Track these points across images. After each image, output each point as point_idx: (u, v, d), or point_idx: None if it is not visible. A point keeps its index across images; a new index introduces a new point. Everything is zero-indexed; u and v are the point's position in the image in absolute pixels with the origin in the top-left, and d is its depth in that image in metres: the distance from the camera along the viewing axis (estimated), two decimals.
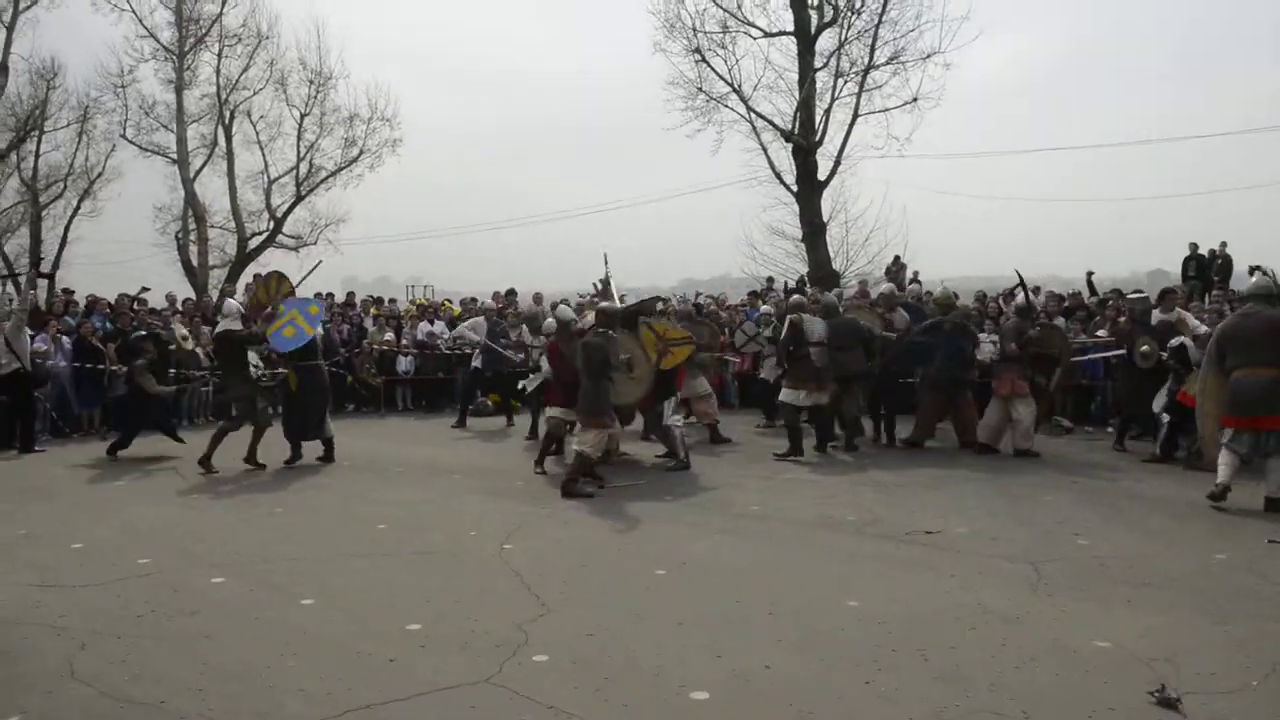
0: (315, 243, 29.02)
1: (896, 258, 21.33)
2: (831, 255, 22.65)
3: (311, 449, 10.56)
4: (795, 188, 22.37)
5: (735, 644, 4.82)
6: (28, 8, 28.25)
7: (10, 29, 28.22)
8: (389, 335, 16.58)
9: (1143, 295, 11.53)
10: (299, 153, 28.61)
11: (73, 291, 16.83)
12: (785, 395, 10.77)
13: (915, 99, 21.62)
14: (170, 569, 6.29)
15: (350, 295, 18.44)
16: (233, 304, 11.14)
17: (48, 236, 31.31)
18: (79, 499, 8.81)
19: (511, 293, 17.53)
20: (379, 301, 18.54)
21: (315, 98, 28.48)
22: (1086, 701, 4.10)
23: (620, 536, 7.17)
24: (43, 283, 18.24)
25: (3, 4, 27.92)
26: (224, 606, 5.51)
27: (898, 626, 5.05)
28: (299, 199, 28.74)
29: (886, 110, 22.03)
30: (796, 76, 22.09)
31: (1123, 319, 12.23)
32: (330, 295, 17.48)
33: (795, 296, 12.94)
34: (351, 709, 4.07)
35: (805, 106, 21.79)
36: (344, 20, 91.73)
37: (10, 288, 16.41)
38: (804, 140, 21.81)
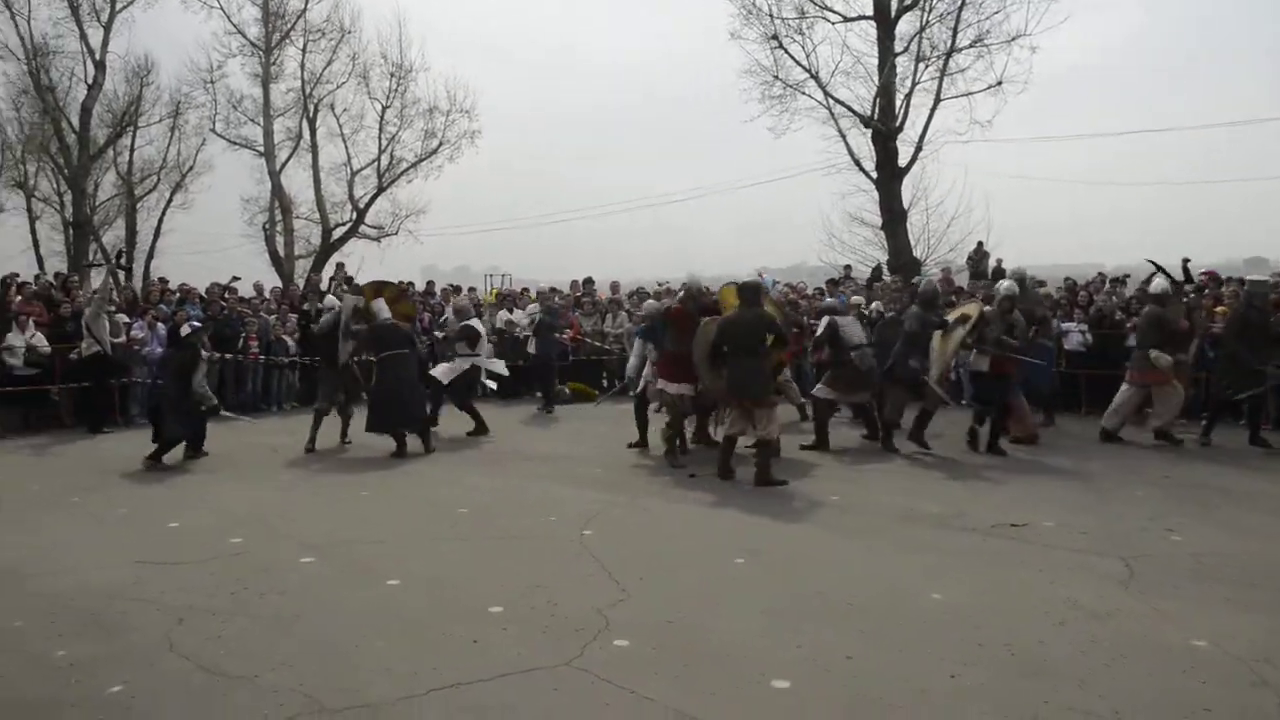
0: (396, 233, 29.60)
1: (979, 244, 20.86)
2: (912, 242, 22.27)
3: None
4: (874, 174, 22.03)
5: (816, 634, 4.78)
6: (124, 7, 29.29)
7: (107, 29, 29.30)
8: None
9: (1264, 280, 11.06)
10: (380, 145, 29.16)
11: (167, 280, 17.42)
12: (819, 390, 10.56)
13: (1000, 82, 21.11)
14: (261, 549, 6.49)
15: (430, 284, 18.74)
16: (333, 300, 11.43)
17: (142, 228, 32.50)
18: (173, 480, 9.13)
19: (589, 281, 17.63)
20: (458, 290, 18.80)
21: (396, 90, 28.99)
22: (1181, 702, 3.97)
23: (699, 524, 7.16)
24: (124, 271, 18.89)
25: (100, 4, 28.98)
26: (312, 586, 5.67)
27: (983, 620, 4.95)
28: (380, 190, 29.29)
29: (969, 95, 21.54)
30: (876, 62, 21.71)
31: (1220, 307, 11.81)
32: (410, 284, 17.78)
33: (828, 300, 12.77)
34: (436, 688, 4.15)
35: (885, 92, 21.42)
36: (424, 11, 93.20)
37: (93, 276, 17.10)
38: (883, 126, 21.45)
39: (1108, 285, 15.33)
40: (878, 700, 4.01)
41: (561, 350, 15.20)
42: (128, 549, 6.53)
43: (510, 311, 16.88)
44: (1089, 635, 4.74)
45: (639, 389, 10.52)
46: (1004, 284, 10.74)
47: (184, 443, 10.11)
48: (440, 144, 29.18)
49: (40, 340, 12.42)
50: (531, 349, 14.79)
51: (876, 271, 20.27)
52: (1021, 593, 5.43)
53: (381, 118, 29.06)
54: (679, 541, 6.64)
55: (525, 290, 19.29)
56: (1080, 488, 8.32)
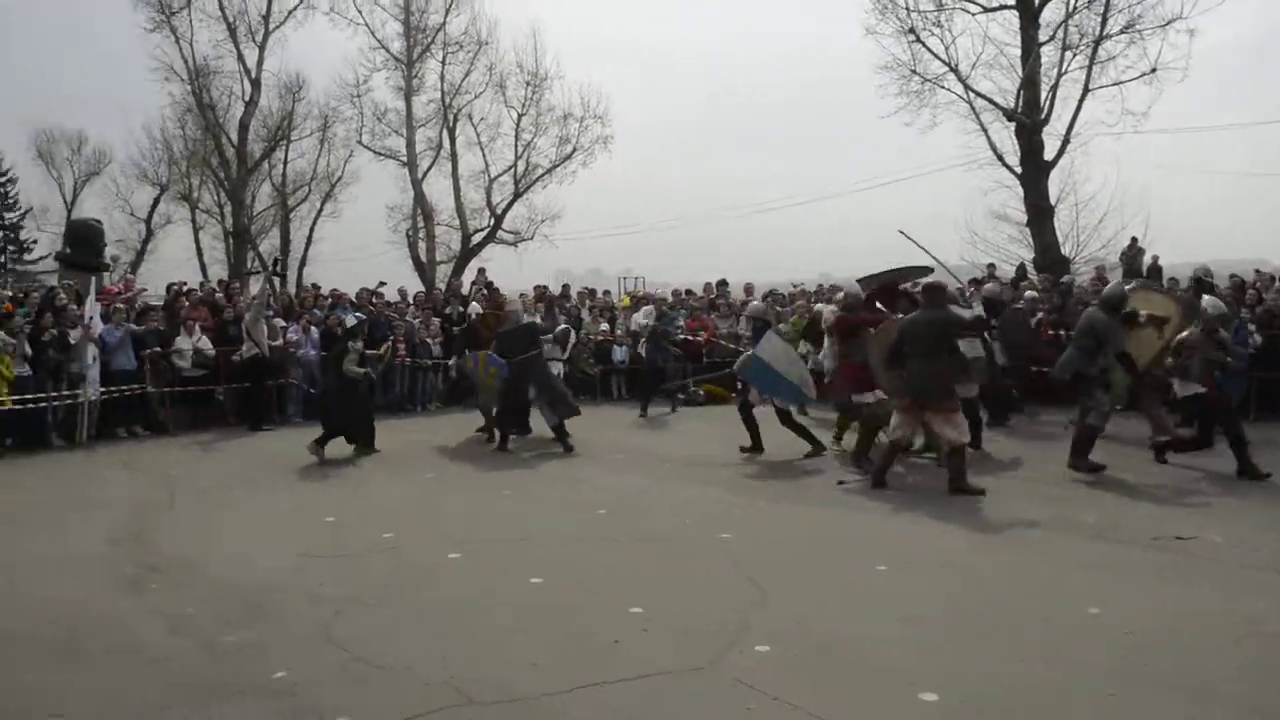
0: (532, 238, 30.25)
1: (1134, 240, 19.86)
2: (1060, 239, 21.36)
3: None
4: (1019, 169, 21.24)
5: (965, 647, 4.63)
6: (277, 27, 30.93)
7: (262, 48, 30.99)
8: (604, 326, 17.02)
9: None
10: (516, 152, 29.88)
11: (319, 286, 18.27)
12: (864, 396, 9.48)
13: (1154, 69, 20.03)
14: (411, 544, 6.73)
15: (565, 288, 19.05)
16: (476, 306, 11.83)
17: (295, 236, 34.26)
18: (328, 476, 9.57)
19: (723, 283, 17.58)
20: (593, 294, 19.06)
21: (531, 99, 29.66)
22: None
23: (839, 530, 7.04)
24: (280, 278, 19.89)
25: (255, 25, 30.67)
26: (460, 580, 5.84)
27: (1146, 638, 4.69)
28: (517, 196, 30.00)
29: (1120, 83, 20.57)
30: (1019, 52, 20.94)
31: None
32: (544, 288, 18.12)
33: (988, 285, 12.26)
34: (580, 685, 4.20)
35: (1029, 83, 20.64)
36: (558, 19, 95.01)
37: (252, 283, 18.10)
38: (1028, 119, 20.67)
39: (1277, 284, 14.34)
40: (1031, 717, 3.85)
41: (673, 355, 15.19)
42: (288, 541, 6.87)
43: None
44: (1265, 658, 4.43)
45: (744, 394, 10.35)
46: (1209, 302, 9.64)
47: (353, 439, 10.68)
48: (574, 149, 29.69)
49: (206, 344, 13.24)
50: (642, 352, 14.94)
51: (1021, 270, 19.54)
52: (1188, 610, 5.11)
53: (518, 125, 29.80)
54: (819, 547, 6.54)
55: (658, 293, 19.38)
56: (1257, 500, 7.76)
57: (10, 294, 13.77)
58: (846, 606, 5.25)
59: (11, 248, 40.49)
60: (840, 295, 10.49)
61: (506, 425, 11.02)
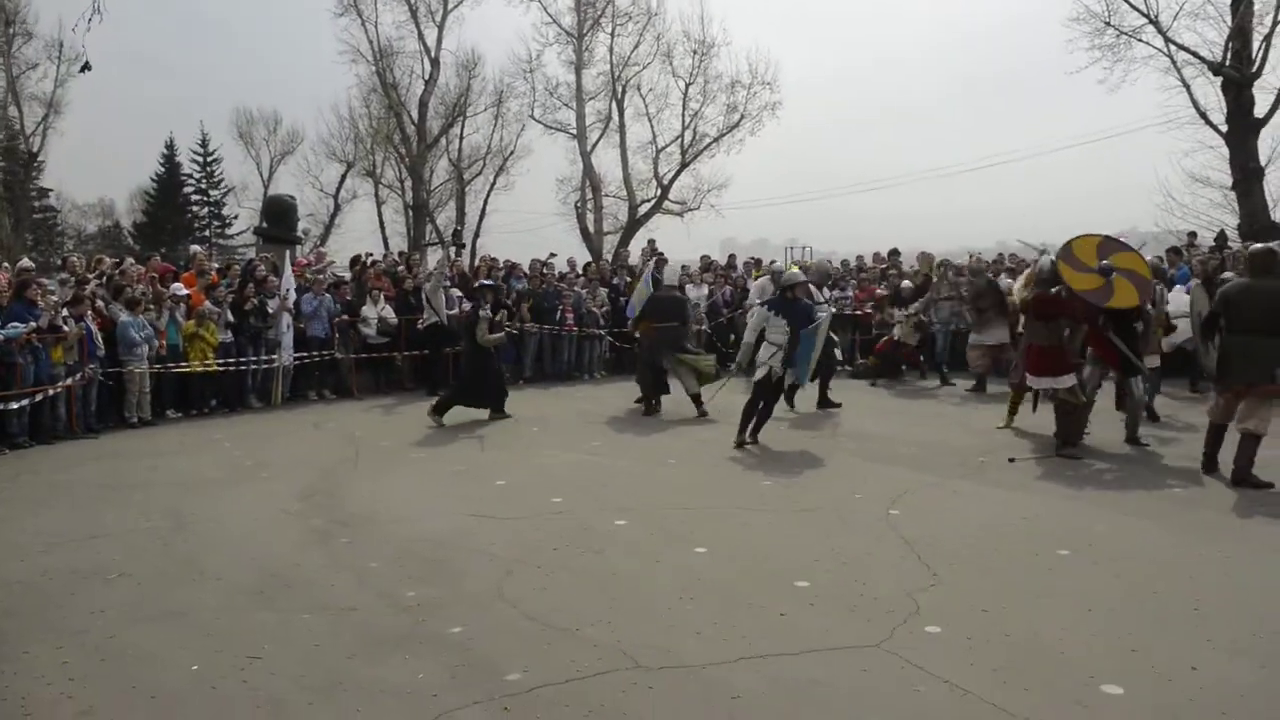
0: (699, 207, 30.29)
1: None
2: (1270, 204, 19.63)
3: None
4: (1224, 128, 19.60)
5: (1153, 638, 4.35)
6: (455, 6, 32.02)
7: (441, 27, 32.18)
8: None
9: None
10: (684, 121, 29.95)
11: (494, 258, 18.85)
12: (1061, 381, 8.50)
13: None
14: (579, 509, 6.88)
15: (731, 258, 18.94)
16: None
17: (470, 209, 35.52)
18: (499, 441, 9.89)
19: (894, 252, 17.08)
20: (758, 263, 18.87)
21: (699, 67, 29.65)
22: None
23: (1016, 511, 6.74)
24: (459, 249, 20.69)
25: (434, 5, 31.79)
26: (627, 547, 5.94)
27: None
28: (684, 166, 30.09)
29: None
30: (1228, 0, 19.25)
31: None
32: (707, 257, 18.07)
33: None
34: (745, 656, 4.21)
35: (1239, 34, 18.96)
36: None
37: (429, 255, 18.82)
38: (1237, 73, 19.01)
39: None
40: (1226, 717, 3.59)
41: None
42: (463, 502, 7.16)
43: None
44: None
45: (754, 372, 9.51)
46: None
47: (486, 406, 11.15)
48: (742, 117, 29.51)
49: (389, 312, 13.92)
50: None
51: (1221, 237, 18.08)
52: None
53: (685, 95, 29.87)
54: (994, 528, 6.29)
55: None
56: None
57: (216, 265, 14.84)
58: (1024, 590, 5.03)
59: (216, 223, 43.76)
60: (1035, 267, 9.36)
61: (649, 388, 11.26)
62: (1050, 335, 8.47)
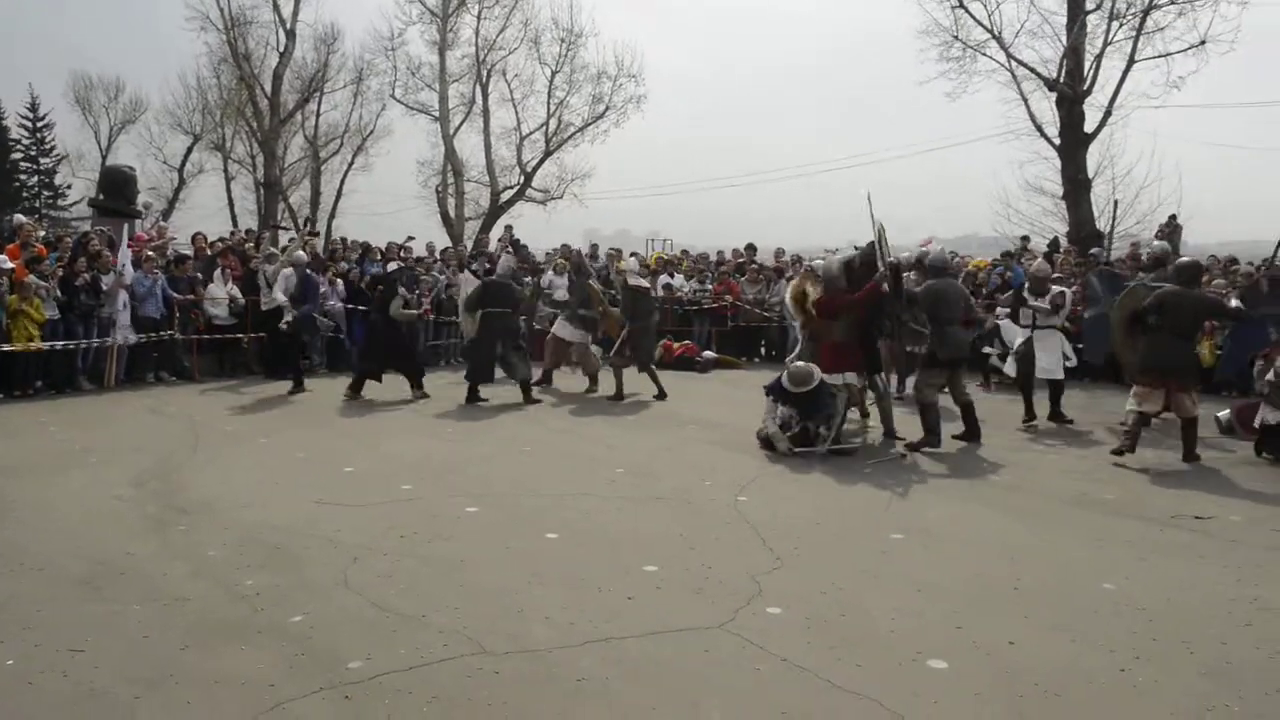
0: (561, 196, 30.20)
1: (1172, 217, 19.44)
2: (1096, 214, 21.02)
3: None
4: (1057, 140, 20.87)
5: (976, 616, 4.63)
6: None
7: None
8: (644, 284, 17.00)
9: None
10: (549, 110, 29.78)
11: (347, 239, 18.32)
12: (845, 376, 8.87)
13: (1203, 41, 19.53)
14: (429, 496, 6.79)
15: (594, 247, 19.01)
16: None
17: (325, 189, 34.42)
18: (349, 427, 9.66)
19: (751, 248, 17.49)
20: (619, 254, 18.99)
21: (566, 55, 29.54)
22: None
23: (856, 497, 7.04)
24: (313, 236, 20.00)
25: None
26: (477, 534, 5.90)
27: (1159, 615, 4.68)
28: (548, 154, 29.93)
29: (1167, 55, 20.04)
30: (1064, 20, 20.48)
31: None
32: (567, 245, 18.09)
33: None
34: (592, 640, 4.25)
35: (1073, 53, 20.19)
36: None
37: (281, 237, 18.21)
38: (1070, 89, 20.26)
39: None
40: (1040, 688, 3.86)
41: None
42: (308, 489, 6.96)
43: (671, 277, 16.94)
44: (1278, 639, 4.41)
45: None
46: None
47: (408, 380, 11.53)
48: (607, 109, 29.55)
49: (236, 292, 13.34)
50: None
51: (1054, 243, 19.27)
52: (1203, 588, 5.09)
53: (551, 83, 29.68)
54: (835, 514, 6.55)
55: (685, 253, 19.31)
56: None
57: (43, 233, 13.90)
58: (860, 573, 5.26)
59: (47, 193, 40.99)
60: (822, 265, 9.60)
61: (474, 377, 11.29)
62: (841, 331, 8.88)
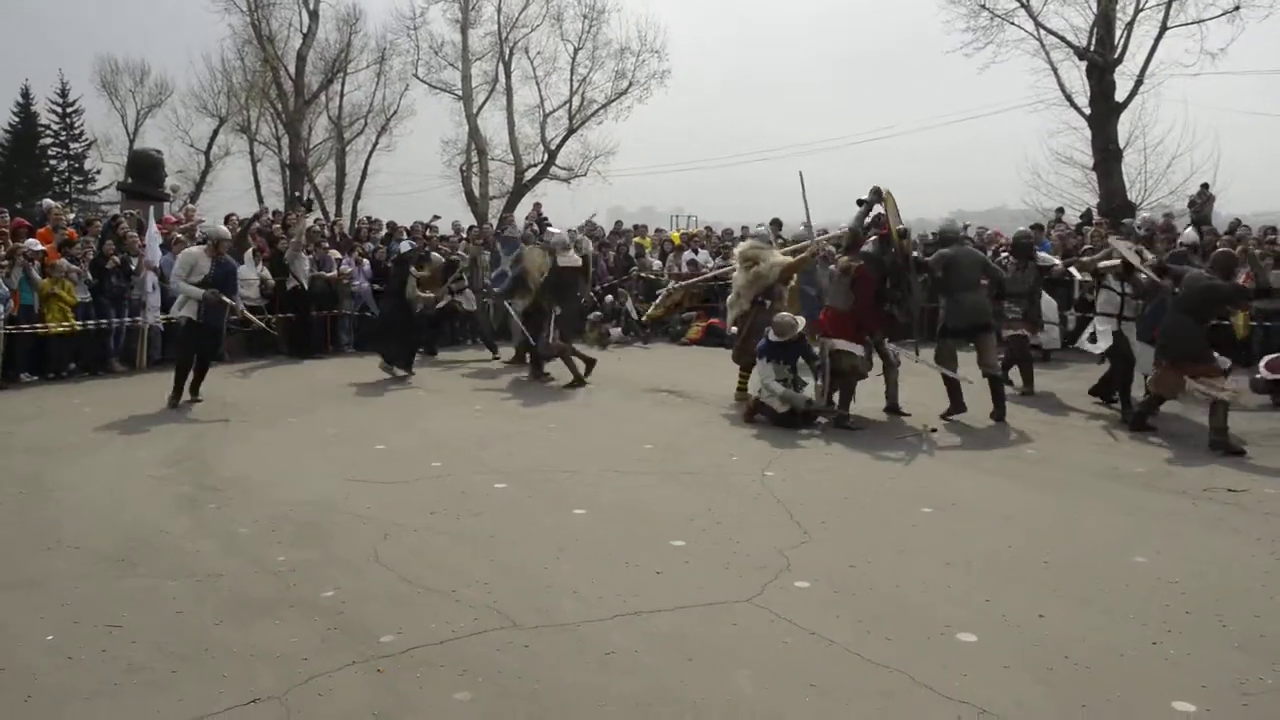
0: (585, 174, 30.14)
1: (1204, 186, 19.18)
2: (1127, 184, 20.74)
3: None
4: (1088, 110, 20.56)
5: (1006, 590, 4.61)
6: None
7: None
8: (656, 264, 16.99)
9: None
10: (572, 86, 29.66)
11: (373, 219, 18.40)
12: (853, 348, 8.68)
13: (1238, 6, 19.15)
14: (459, 473, 6.84)
15: (618, 224, 18.99)
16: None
17: (350, 169, 34.53)
18: (380, 405, 9.73)
19: (776, 222, 17.36)
20: (643, 231, 18.98)
21: (588, 31, 29.39)
22: None
23: (884, 471, 7.02)
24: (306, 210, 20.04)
25: None
26: (506, 510, 5.94)
27: (1191, 588, 4.64)
28: (571, 132, 29.84)
29: (1201, 21, 19.68)
30: None
31: None
32: (590, 223, 18.08)
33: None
34: (620, 614, 4.28)
35: (1104, 20, 19.88)
36: None
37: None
38: (1100, 57, 19.94)
39: None
40: (1070, 661, 3.84)
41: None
42: (339, 467, 7.03)
43: (695, 253, 16.88)
44: None
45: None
46: None
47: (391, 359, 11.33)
48: (630, 84, 29.42)
49: (266, 274, 13.44)
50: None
51: (1087, 215, 19.03)
52: (1237, 561, 5.04)
53: (573, 60, 29.57)
54: (863, 488, 6.53)
55: (709, 229, 19.23)
56: None
57: (73, 217, 14.05)
58: (889, 547, 5.24)
59: (77, 177, 41.35)
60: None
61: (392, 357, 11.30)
62: (842, 300, 8.66)
